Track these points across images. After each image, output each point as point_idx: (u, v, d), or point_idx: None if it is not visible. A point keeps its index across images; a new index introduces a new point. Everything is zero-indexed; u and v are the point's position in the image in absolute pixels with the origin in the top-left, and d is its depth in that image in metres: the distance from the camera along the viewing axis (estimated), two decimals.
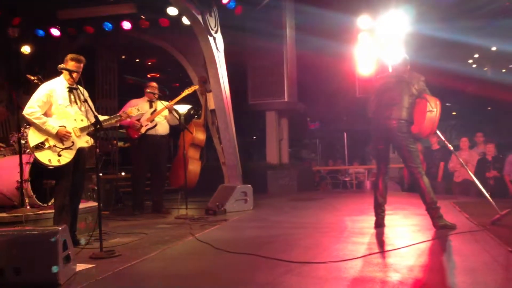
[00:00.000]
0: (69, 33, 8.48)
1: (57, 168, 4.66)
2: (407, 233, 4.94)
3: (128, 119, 7.01)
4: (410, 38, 10.31)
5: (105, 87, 9.79)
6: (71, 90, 4.81)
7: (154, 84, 7.34)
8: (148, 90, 7.20)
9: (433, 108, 4.93)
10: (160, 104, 7.15)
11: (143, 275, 3.66)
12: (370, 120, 5.40)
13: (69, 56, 4.78)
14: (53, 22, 8.43)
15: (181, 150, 7.54)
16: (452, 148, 5.71)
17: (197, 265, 3.95)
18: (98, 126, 4.45)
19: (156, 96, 7.20)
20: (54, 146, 4.62)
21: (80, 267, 3.71)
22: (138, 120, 7.10)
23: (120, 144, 13.22)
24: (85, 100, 4.74)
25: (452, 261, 3.64)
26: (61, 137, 4.64)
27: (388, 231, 5.05)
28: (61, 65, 4.71)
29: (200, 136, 8.06)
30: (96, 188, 6.20)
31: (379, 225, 5.22)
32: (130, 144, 7.43)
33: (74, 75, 4.72)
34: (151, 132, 7.16)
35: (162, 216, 6.83)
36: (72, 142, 4.73)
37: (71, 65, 4.71)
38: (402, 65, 5.36)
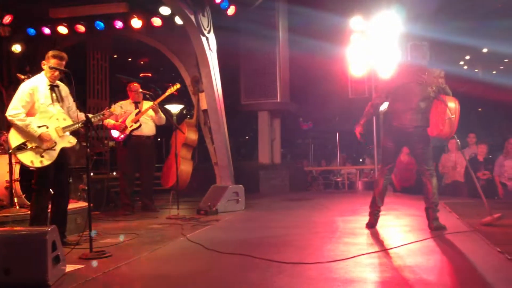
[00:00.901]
0: (60, 32, 8.42)
1: (38, 169, 4.56)
2: (399, 234, 4.96)
3: (112, 122, 7.02)
4: (403, 38, 10.36)
5: (96, 87, 9.72)
6: (52, 88, 4.69)
7: (136, 84, 7.31)
8: (133, 91, 7.20)
9: (452, 115, 4.90)
10: (145, 105, 7.15)
11: (133, 275, 3.64)
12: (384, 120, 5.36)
13: (51, 53, 4.66)
14: (44, 21, 8.37)
15: (173, 150, 7.52)
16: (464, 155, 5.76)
17: (188, 265, 3.93)
18: (89, 125, 4.41)
19: (141, 96, 7.19)
20: (36, 147, 4.50)
21: (70, 267, 3.68)
22: (123, 121, 7.11)
23: (112, 144, 13.16)
24: (74, 98, 4.66)
25: (442, 261, 3.66)
26: (44, 140, 4.53)
27: (379, 232, 5.07)
28: (44, 62, 4.62)
29: (192, 136, 8.05)
30: (86, 188, 6.15)
31: (372, 225, 5.23)
32: (116, 145, 7.38)
33: (56, 72, 4.62)
34: (136, 132, 7.14)
35: (154, 216, 6.79)
36: (55, 142, 4.61)
37: (52, 62, 4.59)
38: (418, 66, 5.23)
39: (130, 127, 7.11)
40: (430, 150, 5.13)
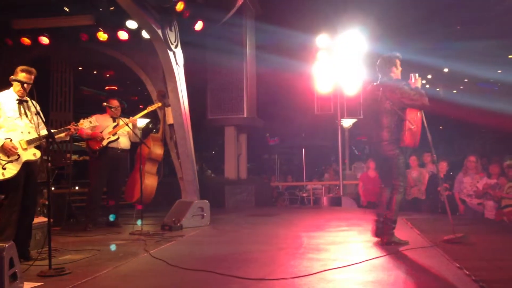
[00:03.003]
0: (24, 44, 8.23)
1: (5, 182, 4.51)
2: (361, 249, 5.01)
3: (89, 131, 6.98)
4: (368, 57, 10.62)
5: (59, 99, 9.53)
6: (21, 102, 4.74)
7: (115, 101, 7.37)
8: (106, 104, 7.24)
9: (412, 125, 5.06)
10: (123, 120, 7.15)
11: None
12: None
13: (20, 67, 4.72)
14: (7, 32, 8.17)
15: (138, 165, 7.44)
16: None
17: (151, 282, 3.87)
18: (51, 139, 4.33)
19: (117, 112, 7.24)
20: None
21: (27, 285, 3.57)
22: (101, 132, 7.11)
23: (75, 157, 12.89)
24: (38, 113, 4.62)
25: (403, 277, 3.72)
26: (6, 150, 4.51)
27: (342, 247, 5.12)
28: (12, 77, 4.62)
29: (158, 150, 7.96)
30: (47, 203, 6.00)
31: (377, 234, 5.29)
32: (90, 156, 7.31)
33: (25, 86, 4.61)
34: (112, 145, 7.16)
35: (117, 232, 6.67)
36: (18, 155, 4.60)
37: (21, 76, 4.65)
38: (377, 85, 5.38)
39: (108, 138, 7.11)
40: (402, 165, 5.22)
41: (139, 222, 6.48)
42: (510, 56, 14.97)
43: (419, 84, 5.28)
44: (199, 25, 7.94)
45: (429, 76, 16.95)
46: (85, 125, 5.20)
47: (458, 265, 3.94)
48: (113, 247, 5.40)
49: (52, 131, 4.83)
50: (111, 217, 7.06)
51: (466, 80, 14.55)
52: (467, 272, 3.67)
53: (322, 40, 10.77)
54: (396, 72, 5.37)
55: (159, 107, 8.28)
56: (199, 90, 11.44)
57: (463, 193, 8.23)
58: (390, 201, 5.18)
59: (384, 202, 5.32)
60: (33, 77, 4.71)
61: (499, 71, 14.74)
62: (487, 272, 3.68)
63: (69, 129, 5.10)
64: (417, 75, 5.29)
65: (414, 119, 5.10)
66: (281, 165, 20.52)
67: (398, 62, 5.40)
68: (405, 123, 5.08)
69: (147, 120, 14.53)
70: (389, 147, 5.17)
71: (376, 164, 5.44)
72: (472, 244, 4.99)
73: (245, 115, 11.35)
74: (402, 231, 5.61)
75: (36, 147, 4.82)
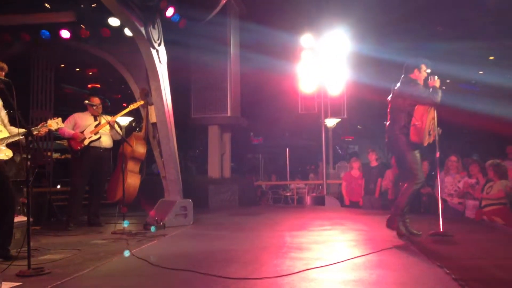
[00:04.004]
0: (3, 40, 8.10)
1: None
2: (344, 248, 5.04)
3: (71, 131, 6.90)
4: (352, 57, 10.69)
5: (40, 97, 9.38)
6: None
7: (96, 99, 7.33)
8: (87, 102, 7.19)
9: (417, 121, 5.24)
10: (105, 118, 7.12)
11: None
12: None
13: None
14: None
15: (120, 163, 7.38)
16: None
17: (132, 282, 3.84)
18: (30, 137, 4.25)
19: (98, 110, 7.18)
20: None
21: (5, 285, 3.51)
22: (82, 132, 7.04)
23: (56, 155, 12.74)
24: (14, 110, 4.51)
25: (385, 276, 3.74)
26: None
27: (325, 246, 5.13)
28: None
29: (141, 149, 7.90)
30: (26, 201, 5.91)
31: (402, 234, 5.39)
32: (72, 156, 7.23)
33: None
34: (94, 144, 7.10)
35: (98, 231, 6.60)
36: None
37: None
38: (401, 83, 5.65)
39: (89, 138, 7.05)
40: (413, 158, 5.39)
41: (126, 223, 6.36)
42: (491, 58, 15.20)
43: (437, 85, 5.41)
44: (183, 22, 7.89)
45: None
46: (53, 126, 5.06)
47: (438, 264, 3.98)
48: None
49: (22, 130, 4.72)
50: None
51: (448, 81, 14.71)
52: (447, 271, 3.71)
53: (306, 40, 10.81)
54: (417, 75, 5.58)
55: (141, 105, 8.23)
56: (183, 89, 11.39)
57: (444, 192, 8.32)
58: (406, 191, 5.39)
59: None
60: (3, 73, 4.59)
61: (481, 72, 14.94)
62: (467, 271, 3.72)
63: (39, 130, 4.95)
64: (436, 76, 5.45)
65: (420, 117, 5.26)
66: (265, 164, 20.56)
67: (424, 67, 5.61)
68: (412, 120, 5.29)
69: (131, 119, 14.43)
70: (400, 141, 5.40)
71: (396, 163, 5.75)
72: (453, 243, 5.05)
73: (229, 114, 11.33)
74: (384, 230, 5.65)
75: (14, 145, 4.71)
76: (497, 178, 7.29)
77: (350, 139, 27.38)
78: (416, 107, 5.31)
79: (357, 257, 4.43)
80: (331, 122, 13.50)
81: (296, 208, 11.01)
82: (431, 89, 5.36)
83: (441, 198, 8.29)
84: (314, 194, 12.96)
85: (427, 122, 5.24)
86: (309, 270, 3.91)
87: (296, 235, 5.95)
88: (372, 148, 11.23)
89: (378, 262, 4.22)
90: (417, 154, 5.42)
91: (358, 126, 24.95)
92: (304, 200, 13.58)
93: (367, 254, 4.54)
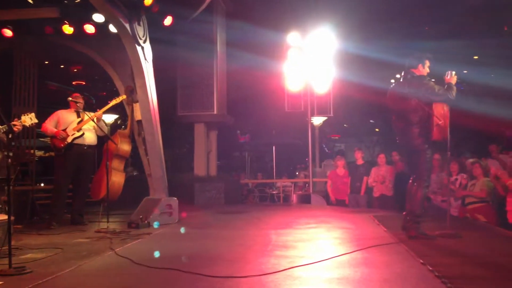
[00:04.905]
0: None
1: None
2: (329, 246, 5.04)
3: (54, 129, 6.81)
4: (338, 55, 10.71)
5: (23, 94, 9.24)
6: None
7: (77, 94, 7.27)
8: (70, 99, 7.10)
9: (440, 120, 5.17)
10: (88, 115, 7.02)
11: None
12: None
13: None
14: None
15: (104, 161, 7.30)
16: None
17: (115, 281, 3.80)
18: (10, 135, 4.19)
19: (81, 106, 7.10)
20: None
21: None
22: (64, 130, 6.94)
23: (40, 153, 12.58)
24: None
25: (369, 273, 3.75)
26: None
27: (310, 244, 5.14)
28: None
29: (125, 147, 7.83)
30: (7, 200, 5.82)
31: (404, 229, 5.35)
32: (55, 153, 7.14)
33: None
34: (78, 141, 7.01)
35: (81, 230, 6.53)
36: None
37: None
38: (402, 82, 5.54)
39: (72, 135, 6.96)
40: (426, 159, 5.33)
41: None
42: (475, 57, 15.35)
43: (453, 81, 5.36)
44: (168, 20, 7.83)
45: (398, 76, 17.19)
46: (27, 122, 4.98)
47: (422, 261, 4.00)
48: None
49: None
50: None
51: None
52: (430, 268, 3.73)
53: (292, 38, 10.80)
54: (422, 70, 5.49)
55: (126, 103, 8.16)
56: (169, 87, 11.33)
57: (428, 190, 8.37)
58: (415, 196, 5.31)
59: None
60: None
61: (465, 71, 15.08)
62: (450, 268, 3.74)
63: (14, 125, 4.84)
64: (453, 72, 5.39)
65: (441, 114, 5.20)
66: (252, 162, 20.56)
67: (427, 62, 5.53)
68: (433, 118, 5.18)
69: (116, 116, 14.33)
70: (419, 141, 5.29)
71: (405, 161, 5.95)
72: (436, 241, 5.08)
73: (215, 112, 11.31)
74: (368, 228, 5.68)
75: None
76: (480, 176, 7.36)
77: (337, 138, 27.54)
78: (434, 105, 5.21)
79: (342, 255, 4.44)
80: (317, 120, 13.53)
81: (282, 206, 11.03)
82: (446, 86, 5.29)
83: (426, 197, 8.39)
84: (300, 192, 12.99)
85: (448, 119, 5.22)
86: (294, 268, 3.91)
87: (282, 233, 5.95)
88: (358, 146, 11.28)
89: (362, 260, 4.24)
90: (429, 155, 5.36)
91: (345, 125, 25.10)
92: (290, 198, 13.60)
93: (351, 252, 4.55)
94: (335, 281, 3.51)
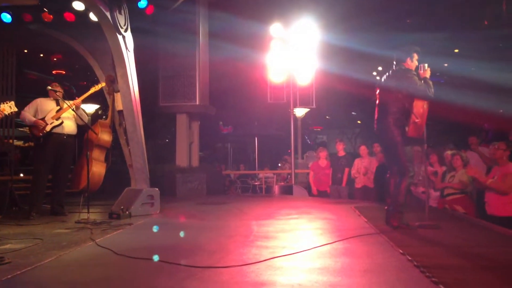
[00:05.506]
0: None
1: None
2: (310, 237, 5.07)
3: (32, 118, 6.70)
4: (321, 46, 10.73)
5: (1, 83, 9.07)
6: None
7: (55, 83, 7.16)
8: (50, 88, 6.99)
9: (417, 119, 5.20)
10: (67, 103, 6.92)
11: (34, 283, 3.42)
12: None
13: None
14: None
15: (85, 151, 7.22)
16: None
17: (95, 271, 3.76)
18: None
19: (60, 95, 7.00)
20: None
21: None
22: (43, 119, 6.84)
23: (19, 143, 12.39)
24: None
25: (349, 263, 3.79)
26: None
27: (292, 235, 5.16)
28: None
29: (106, 137, 7.76)
30: None
31: (387, 220, 5.44)
32: (34, 142, 7.03)
33: None
34: (57, 130, 6.92)
35: (61, 221, 6.46)
36: None
37: None
38: (391, 75, 5.57)
39: (51, 124, 6.86)
40: (404, 150, 5.37)
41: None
42: (456, 50, 15.53)
43: (427, 75, 5.40)
44: (150, 9, 7.75)
45: (380, 68, 17.34)
46: (6, 110, 4.90)
47: (401, 251, 4.06)
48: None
49: None
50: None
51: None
52: (410, 258, 3.79)
53: (275, 29, 10.78)
54: (410, 64, 5.52)
55: (107, 93, 8.08)
56: (151, 77, 11.26)
57: (414, 179, 8.47)
58: (399, 185, 5.35)
59: (392, 190, 5.49)
60: None
61: (446, 64, 15.26)
62: (428, 258, 3.80)
63: None
64: (426, 65, 5.42)
65: (420, 113, 5.23)
66: (234, 153, 20.54)
67: (415, 56, 5.55)
68: (411, 116, 5.22)
69: (97, 106, 14.16)
70: (394, 133, 5.33)
71: (382, 152, 5.71)
72: (415, 231, 5.16)
73: (197, 103, 11.27)
74: (350, 219, 5.73)
75: None
76: (459, 168, 7.47)
77: (319, 129, 27.68)
78: (414, 102, 5.24)
79: (323, 245, 4.47)
80: (300, 111, 13.57)
81: (264, 198, 11.05)
82: (422, 81, 5.33)
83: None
84: (282, 183, 13.04)
85: (425, 117, 5.27)
86: (275, 259, 3.92)
87: (263, 224, 5.97)
88: (339, 138, 11.33)
89: (343, 250, 4.27)
90: (405, 147, 5.41)
91: (327, 116, 25.22)
92: (272, 189, 13.64)
93: (332, 242, 4.59)
94: (316, 271, 3.54)
